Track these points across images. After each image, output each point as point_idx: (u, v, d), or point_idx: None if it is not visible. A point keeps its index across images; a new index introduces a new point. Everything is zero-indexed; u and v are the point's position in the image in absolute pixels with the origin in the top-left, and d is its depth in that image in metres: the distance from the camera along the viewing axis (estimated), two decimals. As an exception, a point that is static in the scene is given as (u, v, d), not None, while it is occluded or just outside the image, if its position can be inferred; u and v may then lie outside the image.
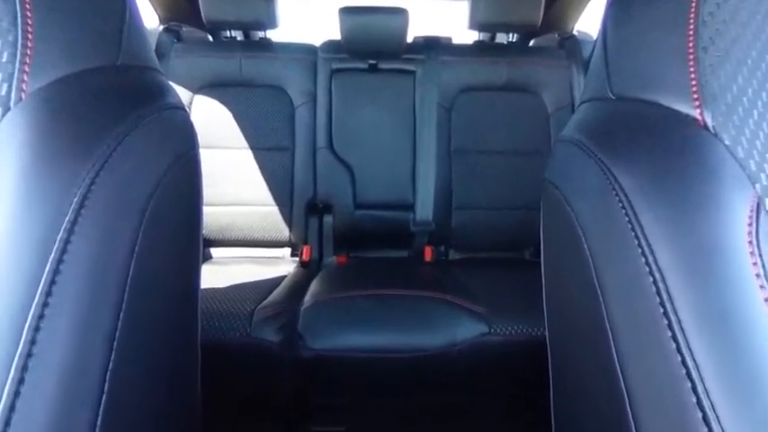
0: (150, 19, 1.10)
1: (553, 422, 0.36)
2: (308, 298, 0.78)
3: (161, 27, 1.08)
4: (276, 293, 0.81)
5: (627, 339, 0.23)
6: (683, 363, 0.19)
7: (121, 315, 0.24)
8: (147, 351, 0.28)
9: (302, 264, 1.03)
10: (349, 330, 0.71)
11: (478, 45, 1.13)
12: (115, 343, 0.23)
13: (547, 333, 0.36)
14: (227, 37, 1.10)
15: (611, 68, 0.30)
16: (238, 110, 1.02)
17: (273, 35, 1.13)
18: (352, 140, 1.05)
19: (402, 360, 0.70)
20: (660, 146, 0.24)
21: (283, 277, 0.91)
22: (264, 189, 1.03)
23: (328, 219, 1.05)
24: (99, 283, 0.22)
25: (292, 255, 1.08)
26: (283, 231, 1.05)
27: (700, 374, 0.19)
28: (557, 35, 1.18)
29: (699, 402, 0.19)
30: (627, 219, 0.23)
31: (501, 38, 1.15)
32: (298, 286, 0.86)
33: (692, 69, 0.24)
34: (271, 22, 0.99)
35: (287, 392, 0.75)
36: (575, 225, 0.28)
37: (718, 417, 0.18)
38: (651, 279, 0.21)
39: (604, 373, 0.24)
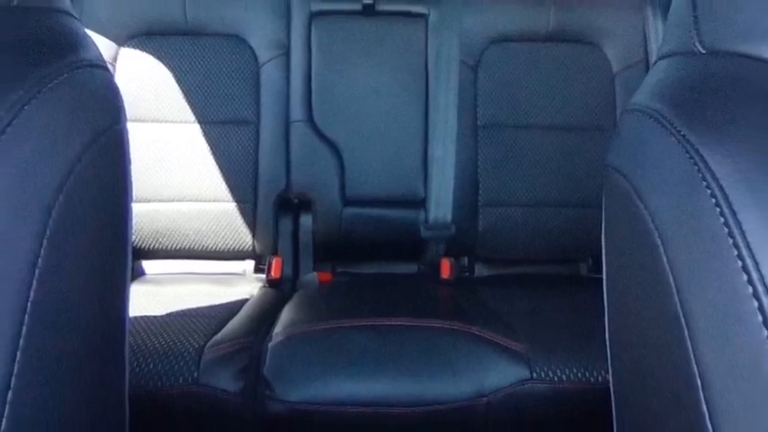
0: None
1: None
2: (277, 330, 0.66)
3: (74, -47, 0.91)
4: (234, 324, 0.69)
5: (722, 388, 0.19)
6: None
7: (17, 362, 0.20)
8: (54, 411, 0.24)
9: (270, 282, 0.86)
10: (336, 375, 0.61)
11: None
12: (8, 399, 0.19)
13: (611, 378, 0.32)
14: None
15: (699, 12, 0.25)
16: (181, 67, 0.85)
17: None
18: (339, 111, 0.88)
19: (410, 416, 0.61)
20: (757, 110, 0.21)
21: (244, 301, 0.77)
22: (218, 179, 0.85)
23: (306, 219, 0.88)
24: None
25: (256, 270, 0.91)
26: (244, 237, 0.87)
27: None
28: None
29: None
30: (723, 220, 0.19)
31: None
32: (264, 314, 0.73)
33: None
34: None
35: None
36: (650, 229, 0.24)
37: None
38: (756, 305, 0.17)
39: (685, 396, 0.21)
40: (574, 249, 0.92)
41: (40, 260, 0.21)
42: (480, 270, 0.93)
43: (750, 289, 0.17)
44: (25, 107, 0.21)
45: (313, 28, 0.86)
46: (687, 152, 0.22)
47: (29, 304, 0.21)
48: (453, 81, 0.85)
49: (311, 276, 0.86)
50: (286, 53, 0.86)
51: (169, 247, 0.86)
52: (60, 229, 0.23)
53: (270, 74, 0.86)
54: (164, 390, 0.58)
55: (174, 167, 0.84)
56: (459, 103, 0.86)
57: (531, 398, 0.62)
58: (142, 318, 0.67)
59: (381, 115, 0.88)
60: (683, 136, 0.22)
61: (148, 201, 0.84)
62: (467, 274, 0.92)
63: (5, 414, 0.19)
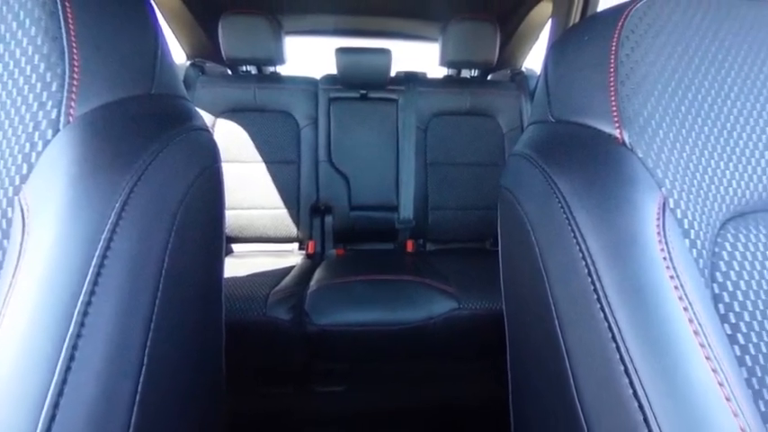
0: (179, 55, 1.21)
1: (509, 379, 0.37)
2: (313, 283, 0.80)
3: (188, 62, 1.17)
4: (287, 280, 0.84)
5: (566, 311, 0.25)
6: (609, 328, 0.21)
7: (157, 302, 0.24)
8: (180, 331, 0.29)
9: (308, 256, 1.11)
10: (347, 309, 0.74)
11: (447, 79, 1.25)
12: (152, 324, 0.24)
13: (504, 307, 0.38)
14: (243, 71, 1.18)
15: (551, 98, 0.32)
16: (253, 131, 1.10)
17: (282, 70, 1.23)
18: (347, 155, 1.13)
19: (389, 332, 0.73)
20: (589, 158, 0.26)
21: (292, 267, 0.96)
22: (275, 195, 1.10)
23: (329, 219, 1.13)
24: (137, 275, 0.23)
25: (299, 248, 1.16)
26: (292, 229, 1.12)
27: (622, 337, 0.21)
28: (509, 71, 1.33)
29: (621, 358, 0.20)
30: (564, 216, 0.25)
31: (465, 73, 1.28)
32: (304, 274, 0.89)
33: (612, 98, 0.27)
34: (279, 59, 1.10)
35: (297, 361, 0.78)
36: (525, 222, 0.30)
37: (636, 369, 0.20)
38: (584, 263, 0.23)
39: (549, 337, 0.26)
40: (482, 234, 1.16)
41: (169, 244, 0.26)
42: (430, 247, 1.17)
43: (580, 254, 0.24)
44: (160, 153, 0.26)
45: (331, 107, 1.14)
46: (545, 178, 0.28)
47: (163, 270, 0.25)
48: (413, 138, 1.12)
49: (332, 252, 1.13)
50: (315, 122, 1.13)
51: (248, 235, 1.10)
52: (181, 225, 0.27)
53: (306, 134, 1.12)
54: (245, 320, 0.69)
55: (249, 189, 1.09)
56: (416, 150, 1.12)
57: (459, 320, 0.75)
58: (231, 277, 0.82)
59: (371, 157, 1.13)
60: (543, 169, 0.29)
61: (235, 208, 1.08)
62: (422, 249, 1.16)
63: (151, 330, 0.24)
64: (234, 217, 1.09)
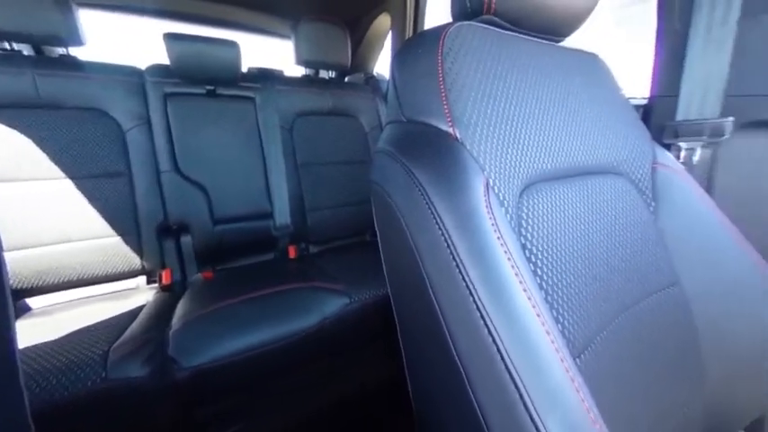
0: None
1: (402, 349, 0.40)
2: (175, 320, 0.71)
3: None
4: (134, 327, 0.70)
5: (436, 279, 0.29)
6: (467, 286, 0.27)
7: None
8: None
9: (163, 288, 0.93)
10: (227, 338, 0.66)
11: (307, 78, 1.25)
12: None
13: (389, 290, 0.40)
14: (6, 49, 0.85)
15: (401, 101, 0.37)
16: (41, 136, 0.82)
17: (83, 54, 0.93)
18: (199, 161, 0.99)
19: (284, 347, 0.70)
20: (436, 153, 0.32)
21: (141, 308, 0.80)
22: (98, 220, 0.87)
23: (186, 239, 0.97)
24: None
25: (149, 282, 0.96)
26: (132, 260, 0.92)
27: (475, 288, 0.27)
28: (363, 75, 1.43)
29: (477, 306, 0.26)
30: (425, 201, 0.29)
31: (323, 74, 1.29)
32: (160, 312, 0.77)
33: (444, 102, 0.33)
34: (71, 38, 0.84)
35: (164, 423, 0.65)
36: (395, 210, 0.33)
37: (487, 312, 0.26)
38: (443, 238, 0.28)
39: (427, 305, 0.29)
40: (361, 227, 1.21)
41: None
42: (313, 249, 1.16)
43: (440, 231, 0.28)
44: None
45: (169, 104, 0.96)
46: (406, 171, 0.32)
47: None
48: (278, 139, 1.07)
49: (197, 277, 0.96)
50: (147, 122, 0.93)
51: (55, 281, 0.84)
52: None
53: (135, 137, 0.91)
54: (71, 397, 0.54)
55: (53, 216, 0.82)
56: (284, 151, 1.07)
57: (352, 313, 0.78)
58: (38, 346, 0.62)
59: (233, 162, 1.03)
60: (403, 163, 0.32)
61: (25, 248, 0.80)
62: (306, 252, 1.14)
63: None
64: (25, 261, 0.81)
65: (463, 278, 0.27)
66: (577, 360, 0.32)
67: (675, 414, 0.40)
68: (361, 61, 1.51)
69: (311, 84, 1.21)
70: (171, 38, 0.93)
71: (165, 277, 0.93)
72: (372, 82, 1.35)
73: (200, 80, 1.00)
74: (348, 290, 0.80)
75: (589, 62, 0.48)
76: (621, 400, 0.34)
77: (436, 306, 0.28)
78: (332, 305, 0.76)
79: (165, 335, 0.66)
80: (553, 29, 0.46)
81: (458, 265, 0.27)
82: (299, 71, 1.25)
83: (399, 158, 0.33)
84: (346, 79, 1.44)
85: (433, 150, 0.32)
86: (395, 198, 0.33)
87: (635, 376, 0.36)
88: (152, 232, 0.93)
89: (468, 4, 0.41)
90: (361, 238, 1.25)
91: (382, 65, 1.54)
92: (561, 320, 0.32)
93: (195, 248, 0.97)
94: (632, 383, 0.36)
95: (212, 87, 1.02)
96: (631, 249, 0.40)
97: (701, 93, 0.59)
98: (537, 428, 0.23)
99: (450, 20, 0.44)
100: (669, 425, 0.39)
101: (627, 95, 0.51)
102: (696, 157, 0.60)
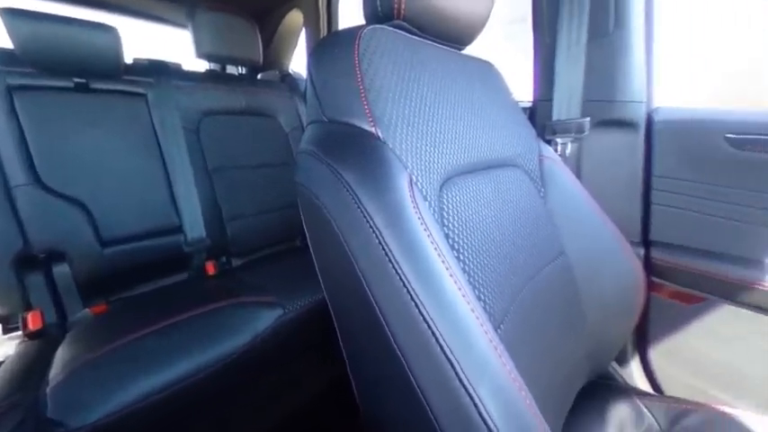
0: None
1: (344, 351, 0.40)
2: (54, 373, 0.57)
3: None
4: None
5: (371, 277, 0.29)
6: (401, 279, 0.28)
7: None
8: None
9: (31, 336, 0.74)
10: (129, 381, 0.56)
11: (212, 74, 1.13)
12: None
13: (325, 293, 0.40)
14: None
15: (321, 100, 0.37)
16: None
17: None
18: (73, 171, 0.81)
19: (208, 377, 0.63)
20: (361, 152, 0.32)
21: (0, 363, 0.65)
22: None
23: (62, 268, 0.78)
24: None
25: (6, 331, 0.76)
26: None
27: (408, 280, 0.28)
28: (278, 72, 1.36)
29: (411, 296, 0.28)
30: (353, 200, 0.30)
31: (232, 70, 1.21)
32: (30, 366, 0.62)
33: (364, 103, 0.34)
34: None
35: None
36: (324, 212, 0.32)
37: (420, 299, 0.28)
38: (374, 235, 0.29)
39: (364, 302, 0.30)
40: (290, 233, 1.15)
41: None
42: (236, 262, 1.06)
43: (371, 228, 0.29)
44: None
45: (16, 100, 0.76)
46: (332, 171, 0.32)
47: None
48: (181, 140, 0.95)
49: (83, 314, 0.78)
50: None
51: None
52: None
53: None
54: None
55: None
56: (191, 155, 0.96)
57: (287, 324, 0.75)
58: None
59: (124, 171, 0.87)
60: (329, 163, 0.32)
61: None
62: (227, 267, 1.04)
63: None
64: None
65: (397, 272, 0.28)
66: (498, 330, 0.35)
67: (567, 361, 0.48)
68: (274, 58, 1.44)
69: (218, 80, 1.09)
70: (10, 15, 0.73)
71: (33, 321, 0.73)
72: (289, 80, 1.30)
73: (65, 71, 0.82)
74: (280, 300, 0.76)
75: (486, 69, 0.55)
76: (532, 358, 0.39)
77: (373, 303, 0.29)
78: (264, 319, 0.71)
79: (40, 393, 0.54)
80: (457, 37, 0.51)
81: (391, 261, 0.28)
82: (201, 66, 1.14)
83: (325, 159, 0.33)
84: (259, 76, 1.36)
85: (357, 150, 0.32)
86: (323, 200, 0.33)
87: (539, 336, 0.42)
88: (5, 265, 0.72)
89: (380, 9, 0.42)
90: (290, 245, 1.19)
91: (298, 63, 1.48)
92: (483, 298, 0.35)
93: (77, 279, 0.79)
94: (538, 342, 0.42)
95: (83, 80, 0.84)
96: (530, 229, 0.46)
97: (567, 98, 0.72)
98: (470, 397, 0.25)
99: (363, 21, 0.45)
100: (563, 373, 0.46)
101: (517, 99, 0.59)
102: (568, 150, 0.73)
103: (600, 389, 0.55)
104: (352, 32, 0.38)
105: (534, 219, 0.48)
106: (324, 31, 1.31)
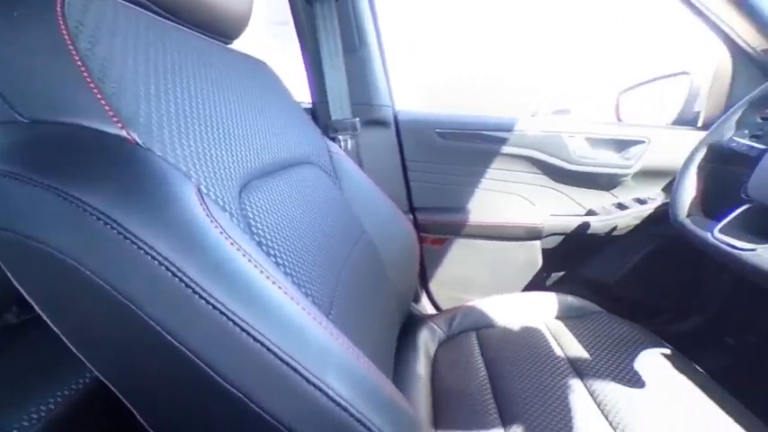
0: None
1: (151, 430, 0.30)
2: None
3: None
4: None
5: (170, 319, 0.23)
6: (208, 303, 0.23)
7: None
8: None
9: None
10: None
11: None
12: None
13: (98, 373, 0.27)
14: None
15: (5, 91, 0.25)
16: None
17: None
18: None
19: None
20: (111, 164, 0.25)
21: None
22: None
23: None
24: None
25: None
26: None
27: (226, 307, 0.23)
28: None
29: (237, 324, 0.23)
30: (118, 232, 0.22)
31: None
32: None
33: (99, 96, 0.26)
34: None
35: None
36: (63, 261, 0.22)
37: (249, 324, 0.24)
38: (164, 267, 0.22)
39: (169, 358, 0.23)
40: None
41: None
42: None
43: (155, 260, 0.22)
44: None
45: None
46: (61, 197, 0.22)
47: None
48: None
49: None
50: None
51: None
52: None
53: None
54: None
55: None
56: None
57: None
58: None
59: None
60: (51, 186, 0.22)
61: None
62: None
63: None
64: None
65: (207, 302, 0.23)
66: (329, 316, 0.38)
67: (385, 316, 0.58)
68: None
69: None
70: None
71: None
72: None
73: None
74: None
75: (260, 68, 0.54)
76: (361, 326, 0.45)
77: (184, 351, 0.23)
78: None
79: None
80: (221, 29, 0.47)
81: (196, 292, 0.22)
82: None
83: (39, 180, 0.22)
84: None
85: (104, 161, 0.24)
86: (56, 243, 0.22)
87: (362, 305, 0.49)
88: None
89: None
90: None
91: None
92: (310, 293, 0.36)
93: None
94: (362, 311, 0.48)
95: None
96: (335, 217, 0.52)
97: (339, 101, 0.84)
98: (319, 389, 0.25)
99: None
100: (384, 327, 0.55)
101: (298, 100, 0.63)
102: (349, 146, 0.86)
103: (410, 326, 0.71)
104: None
105: (338, 209, 0.54)
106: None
